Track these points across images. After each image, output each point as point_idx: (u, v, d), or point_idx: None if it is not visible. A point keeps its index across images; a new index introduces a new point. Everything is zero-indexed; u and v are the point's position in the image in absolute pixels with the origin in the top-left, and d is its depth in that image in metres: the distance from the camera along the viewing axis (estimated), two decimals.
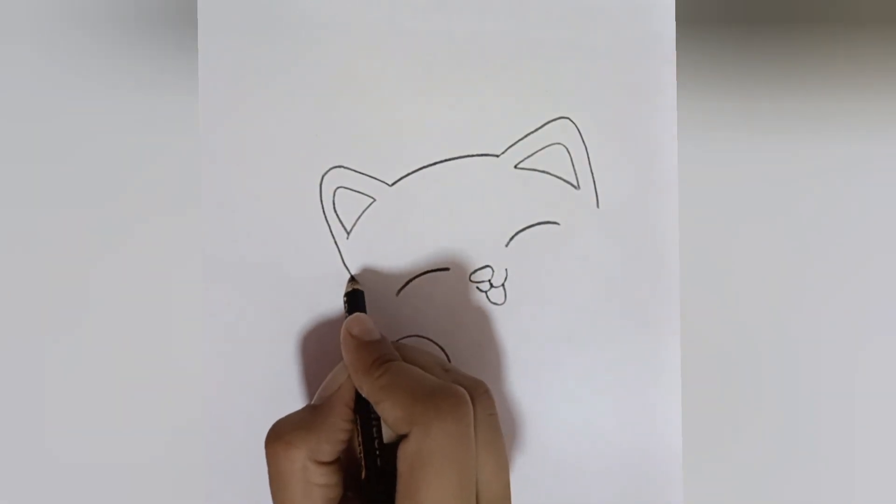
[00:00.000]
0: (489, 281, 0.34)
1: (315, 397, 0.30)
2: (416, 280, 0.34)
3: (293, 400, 0.33)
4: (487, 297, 0.34)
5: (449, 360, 0.34)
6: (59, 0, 0.34)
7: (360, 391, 0.28)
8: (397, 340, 0.33)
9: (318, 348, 0.33)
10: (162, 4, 0.34)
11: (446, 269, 0.34)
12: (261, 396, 0.33)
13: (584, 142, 0.34)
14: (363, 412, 0.29)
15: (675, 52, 0.34)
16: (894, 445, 0.36)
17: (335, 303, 0.33)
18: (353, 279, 0.33)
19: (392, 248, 0.34)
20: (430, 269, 0.34)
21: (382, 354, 0.28)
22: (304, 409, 0.29)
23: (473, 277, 0.34)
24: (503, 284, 0.34)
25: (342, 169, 0.33)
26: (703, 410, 0.35)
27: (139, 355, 0.34)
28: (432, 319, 0.34)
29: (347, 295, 0.32)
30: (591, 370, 0.34)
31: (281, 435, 0.28)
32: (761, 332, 0.36)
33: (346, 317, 0.31)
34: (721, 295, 0.35)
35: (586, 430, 0.34)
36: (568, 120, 0.34)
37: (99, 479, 0.34)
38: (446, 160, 0.34)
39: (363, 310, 0.31)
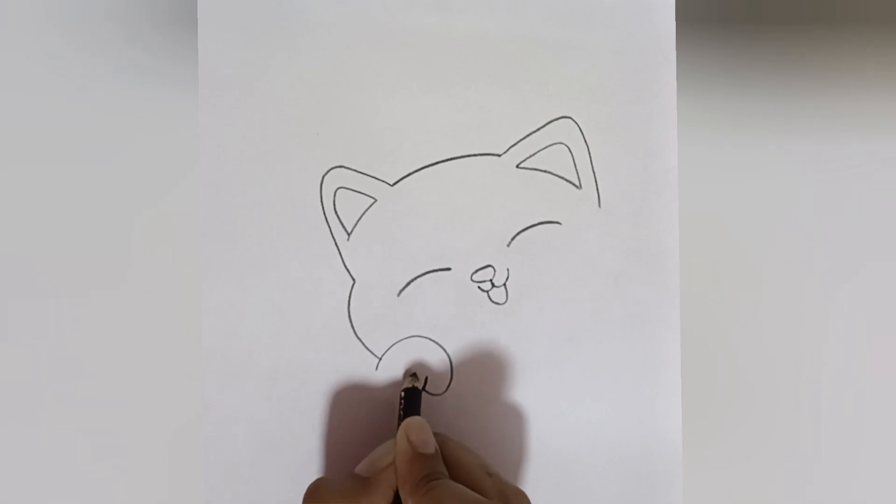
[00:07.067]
0: (491, 280, 0.34)
1: (361, 465, 0.30)
2: (418, 280, 0.34)
3: (293, 400, 0.33)
4: (489, 296, 0.34)
5: (451, 362, 0.34)
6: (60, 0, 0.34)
7: (404, 501, 0.28)
8: (399, 341, 0.33)
9: (318, 349, 0.33)
10: (162, 4, 0.34)
11: (448, 269, 0.34)
12: (261, 396, 0.33)
13: (586, 141, 0.34)
14: None
15: (675, 52, 0.34)
16: (894, 445, 0.36)
17: (335, 303, 0.33)
18: (413, 375, 0.33)
19: (393, 248, 0.34)
20: (431, 269, 0.34)
21: (432, 472, 0.28)
22: (348, 478, 0.29)
23: (475, 277, 0.34)
24: (505, 284, 0.34)
25: (343, 169, 0.33)
26: (703, 410, 0.35)
27: (139, 355, 0.34)
28: (434, 319, 0.34)
29: (405, 391, 0.32)
30: (591, 369, 0.34)
31: (322, 499, 0.28)
32: (761, 332, 0.36)
33: (400, 412, 0.31)
34: (721, 295, 0.36)
35: (587, 429, 0.34)
36: (570, 119, 0.34)
37: (99, 478, 0.34)
38: (448, 160, 0.34)
39: (419, 410, 0.31)
